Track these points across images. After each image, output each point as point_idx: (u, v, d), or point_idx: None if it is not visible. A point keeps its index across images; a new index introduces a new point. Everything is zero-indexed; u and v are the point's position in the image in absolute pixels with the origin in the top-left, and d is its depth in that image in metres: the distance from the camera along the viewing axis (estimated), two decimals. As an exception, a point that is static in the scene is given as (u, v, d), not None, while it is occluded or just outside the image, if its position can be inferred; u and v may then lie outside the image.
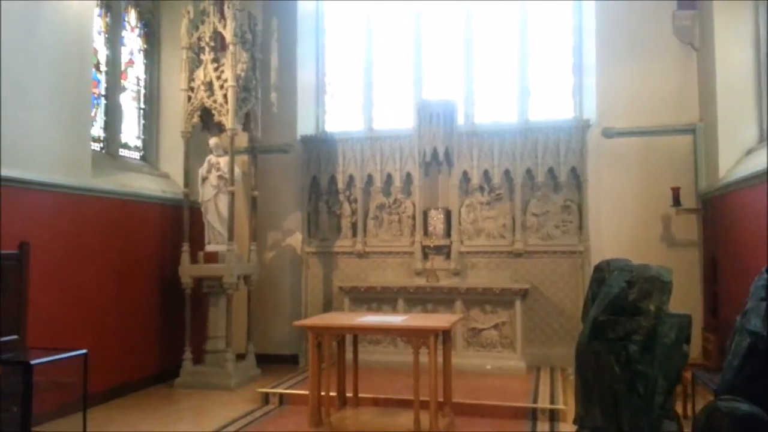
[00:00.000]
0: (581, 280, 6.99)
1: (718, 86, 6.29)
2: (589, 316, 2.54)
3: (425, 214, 7.45)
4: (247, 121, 7.19)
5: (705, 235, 6.78)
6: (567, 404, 5.40)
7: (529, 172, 7.28)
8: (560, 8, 7.69)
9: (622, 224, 7.00)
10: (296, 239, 7.88)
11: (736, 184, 5.87)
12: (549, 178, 7.25)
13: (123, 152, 7.10)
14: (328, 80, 8.35)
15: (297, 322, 5.11)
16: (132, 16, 7.32)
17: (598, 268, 3.48)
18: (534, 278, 7.11)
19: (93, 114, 6.59)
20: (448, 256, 7.33)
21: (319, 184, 7.84)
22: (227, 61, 6.77)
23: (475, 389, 5.92)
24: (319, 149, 7.86)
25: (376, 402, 5.60)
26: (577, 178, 7.18)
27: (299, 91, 8.08)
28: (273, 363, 7.27)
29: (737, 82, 6.16)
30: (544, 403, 5.50)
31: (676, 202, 6.75)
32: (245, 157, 7.57)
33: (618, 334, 2.32)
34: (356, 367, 5.52)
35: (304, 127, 8.08)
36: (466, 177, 7.45)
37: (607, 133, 7.15)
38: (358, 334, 5.46)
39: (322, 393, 5.04)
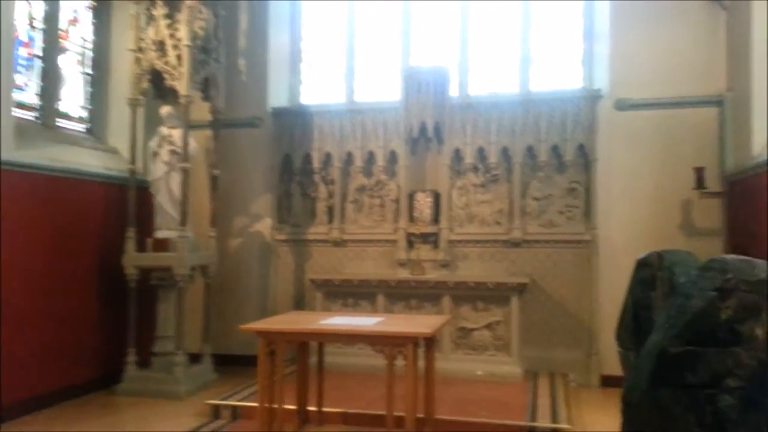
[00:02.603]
0: (587, 274, 6.12)
1: (753, 50, 5.35)
2: (650, 344, 1.63)
3: (411, 198, 6.54)
4: (207, 89, 6.27)
5: (730, 223, 5.88)
6: (572, 424, 4.54)
7: (530, 149, 6.36)
8: (568, -36, 6.75)
9: (636, 210, 6.09)
10: (265, 225, 6.96)
11: (774, 163, 4.97)
12: (553, 156, 6.33)
13: (64, 123, 6.18)
14: (304, 46, 7.40)
15: (245, 326, 4.21)
16: (76, -33, 6.38)
17: (644, 264, 2.55)
18: (533, 271, 6.21)
19: (24, 78, 5.69)
20: (435, 245, 6.43)
21: (292, 162, 6.92)
22: (183, 16, 5.84)
23: (462, 401, 5.04)
24: (293, 123, 6.93)
25: (344, 418, 4.72)
26: (585, 156, 6.26)
27: (271, 57, 7.13)
28: (235, 365, 6.37)
29: (777, 43, 5.23)
30: (544, 419, 4.63)
31: (700, 184, 5.84)
32: (208, 132, 6.64)
33: (702, 377, 1.41)
34: (321, 375, 4.65)
35: (277, 98, 7.15)
36: (458, 155, 6.53)
37: (621, 105, 6.22)
38: (319, 341, 4.57)
39: (275, 406, 4.16)
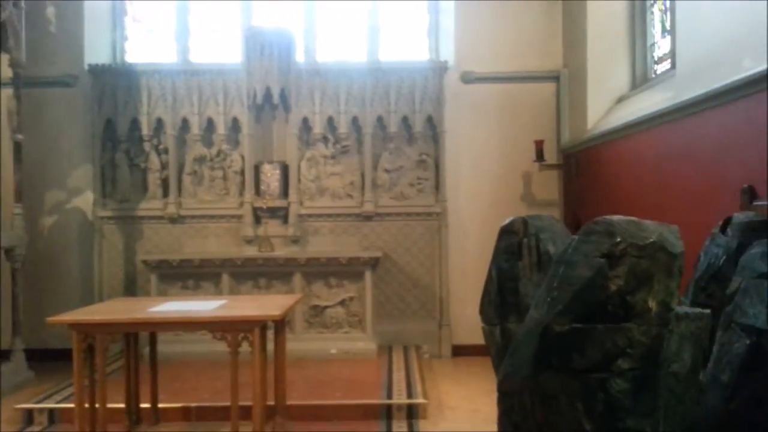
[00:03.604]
0: (437, 245, 6.15)
1: (588, 28, 5.60)
2: (530, 323, 1.42)
3: (257, 170, 6.10)
4: (4, 39, 5.25)
5: (567, 194, 6.22)
6: (427, 397, 4.49)
7: (380, 120, 6.20)
8: (415, -65, 6.60)
9: (482, 181, 6.21)
10: (86, 200, 6.08)
11: (605, 136, 5.25)
12: (403, 128, 6.23)
13: None
14: (129, -4, 6.53)
15: (53, 318, 3.52)
16: None
17: (508, 231, 2.38)
18: (385, 244, 6.12)
19: None
20: (285, 220, 6.07)
21: (116, 128, 6.09)
22: (-33, -53, 4.79)
23: (316, 383, 4.80)
24: (116, 84, 6.09)
25: (185, 414, 4.24)
26: (433, 128, 6.24)
27: (87, 7, 6.18)
28: (56, 360, 5.48)
29: (609, 23, 5.50)
30: (400, 395, 4.54)
31: (539, 156, 6.08)
32: (9, 91, 5.58)
33: (592, 358, 1.23)
34: (155, 368, 4.10)
35: (96, 54, 6.22)
36: (306, 125, 6.18)
37: (466, 78, 6.27)
38: (149, 331, 4.02)
39: (98, 406, 3.58)
